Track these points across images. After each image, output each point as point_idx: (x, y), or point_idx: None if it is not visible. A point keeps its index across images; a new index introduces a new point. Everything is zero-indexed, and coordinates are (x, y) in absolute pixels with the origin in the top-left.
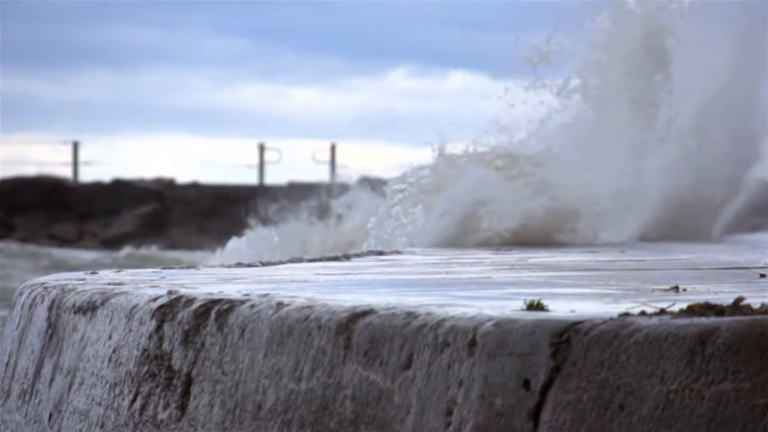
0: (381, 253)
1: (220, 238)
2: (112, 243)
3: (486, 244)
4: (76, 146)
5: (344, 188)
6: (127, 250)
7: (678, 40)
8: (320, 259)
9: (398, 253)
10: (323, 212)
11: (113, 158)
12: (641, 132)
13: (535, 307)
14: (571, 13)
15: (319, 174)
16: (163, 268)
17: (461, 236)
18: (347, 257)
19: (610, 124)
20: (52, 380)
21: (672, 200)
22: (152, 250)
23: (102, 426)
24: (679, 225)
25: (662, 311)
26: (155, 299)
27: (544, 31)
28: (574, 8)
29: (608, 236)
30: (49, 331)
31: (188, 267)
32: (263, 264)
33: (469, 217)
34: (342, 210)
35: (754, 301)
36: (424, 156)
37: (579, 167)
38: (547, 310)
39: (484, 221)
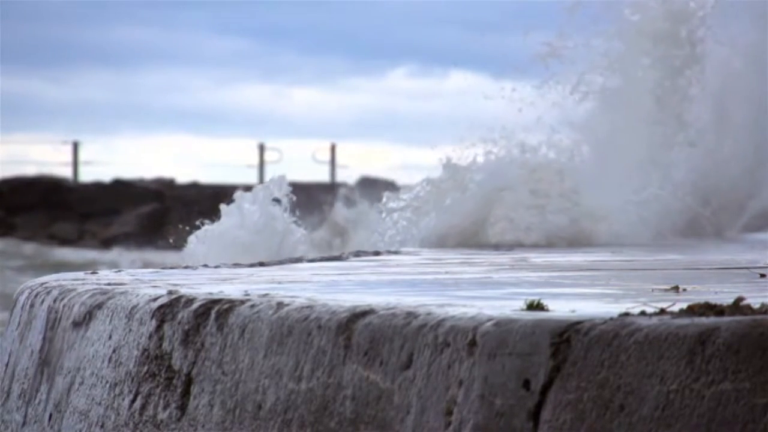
0: (377, 253)
1: None
2: (113, 243)
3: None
4: (76, 146)
5: (350, 201)
6: (116, 252)
7: (708, 28)
8: (320, 259)
9: (397, 253)
10: (323, 221)
11: (113, 158)
12: (668, 136)
13: (535, 307)
14: (585, 5)
15: (319, 174)
16: (163, 268)
17: (480, 221)
18: (346, 257)
19: (633, 127)
20: (52, 380)
21: (693, 203)
22: (142, 252)
23: (102, 426)
24: (701, 226)
25: (662, 311)
26: (155, 299)
27: (551, 29)
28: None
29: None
30: (49, 331)
31: (187, 267)
32: (262, 264)
33: (490, 202)
34: (344, 218)
35: (754, 301)
36: (425, 157)
37: (601, 177)
38: (547, 310)
39: (499, 226)
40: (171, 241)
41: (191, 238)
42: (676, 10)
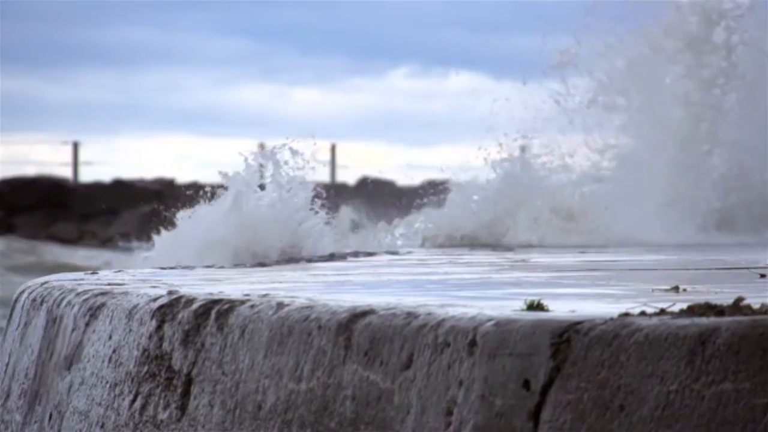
0: (376, 253)
1: None
2: (112, 243)
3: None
4: (76, 146)
5: (355, 219)
6: (116, 252)
7: (745, 30)
8: (318, 260)
9: (396, 253)
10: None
11: (113, 158)
12: (702, 157)
13: (536, 307)
14: (605, 3)
15: (319, 174)
16: (163, 268)
17: (497, 233)
18: (345, 257)
19: (662, 146)
20: (52, 380)
21: (727, 232)
22: (134, 254)
23: (102, 426)
24: (731, 231)
25: (662, 311)
26: (155, 299)
27: (559, 29)
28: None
29: None
30: (49, 331)
31: (187, 267)
32: (262, 264)
33: (507, 214)
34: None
35: (754, 301)
36: (425, 157)
37: (628, 207)
38: (548, 310)
39: (519, 233)
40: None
41: (181, 215)
42: (709, 9)
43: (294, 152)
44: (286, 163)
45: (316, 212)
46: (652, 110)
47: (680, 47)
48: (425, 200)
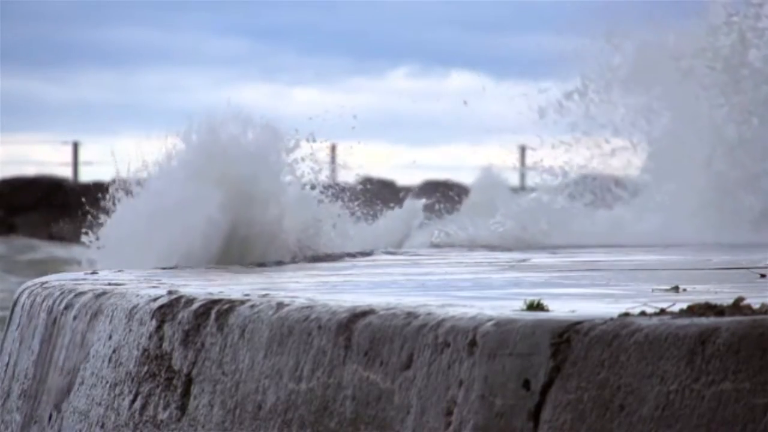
0: (373, 253)
1: None
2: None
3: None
4: (76, 146)
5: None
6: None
7: None
8: (317, 259)
9: (394, 253)
10: None
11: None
12: (737, 197)
13: (536, 307)
14: (628, 11)
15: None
16: (163, 268)
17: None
18: (343, 257)
19: (691, 185)
20: (52, 380)
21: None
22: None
23: (102, 426)
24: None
25: (662, 311)
26: (155, 299)
27: (564, 30)
28: (628, 9)
29: None
30: (49, 331)
31: (187, 267)
32: (261, 264)
33: (544, 234)
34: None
35: (754, 301)
36: (425, 157)
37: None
38: (548, 310)
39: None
40: None
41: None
42: (744, 28)
43: (312, 140)
44: (303, 159)
45: (353, 212)
46: (681, 142)
47: (713, 71)
48: (433, 201)
